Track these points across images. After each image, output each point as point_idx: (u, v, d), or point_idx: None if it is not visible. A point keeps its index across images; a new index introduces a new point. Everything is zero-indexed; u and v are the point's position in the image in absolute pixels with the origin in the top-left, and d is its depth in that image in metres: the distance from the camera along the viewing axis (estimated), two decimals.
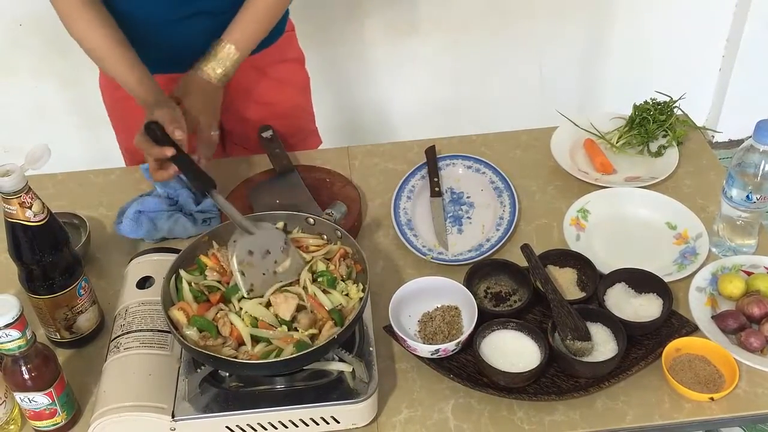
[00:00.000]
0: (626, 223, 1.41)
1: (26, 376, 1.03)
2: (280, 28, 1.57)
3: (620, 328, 1.15)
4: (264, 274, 1.13)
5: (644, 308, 1.21)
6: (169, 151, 1.23)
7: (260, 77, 1.58)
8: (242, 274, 1.12)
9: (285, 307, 1.10)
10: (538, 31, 2.62)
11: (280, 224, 1.24)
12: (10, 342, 0.99)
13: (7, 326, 0.98)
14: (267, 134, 1.52)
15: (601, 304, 1.21)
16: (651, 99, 1.56)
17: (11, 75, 2.50)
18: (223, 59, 1.39)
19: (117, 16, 1.40)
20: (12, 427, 1.12)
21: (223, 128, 1.63)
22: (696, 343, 1.17)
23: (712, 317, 1.21)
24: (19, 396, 1.06)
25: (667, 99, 1.56)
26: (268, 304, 1.12)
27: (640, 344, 1.18)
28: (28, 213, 1.07)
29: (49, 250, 1.12)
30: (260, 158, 1.54)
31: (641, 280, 1.23)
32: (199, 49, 1.41)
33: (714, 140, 2.90)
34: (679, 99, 1.57)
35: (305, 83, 1.70)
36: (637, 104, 1.56)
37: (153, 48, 1.42)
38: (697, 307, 1.22)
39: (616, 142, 1.55)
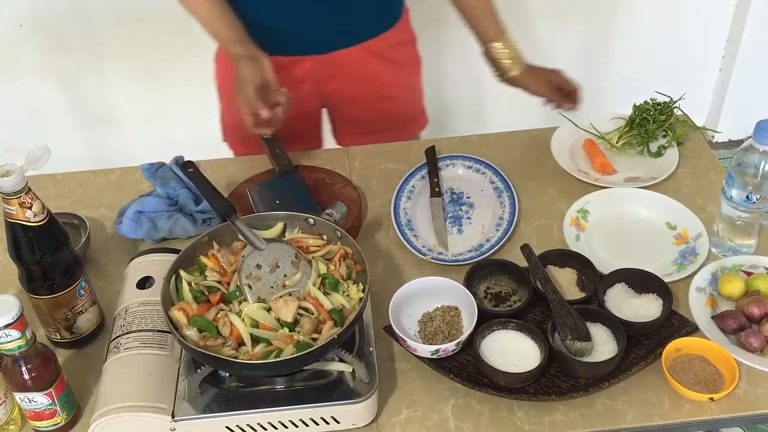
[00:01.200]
0: (626, 223, 1.41)
1: (26, 377, 1.03)
2: (397, 13, 1.59)
3: (620, 328, 1.15)
4: (272, 288, 1.13)
5: (644, 308, 1.21)
6: (265, 112, 1.28)
7: (377, 61, 1.58)
8: (249, 287, 1.12)
9: (286, 310, 1.10)
10: (538, 30, 2.62)
11: (280, 225, 1.25)
12: (10, 342, 0.99)
13: (7, 326, 0.98)
14: (267, 134, 1.52)
15: (601, 304, 1.21)
16: (651, 99, 1.56)
17: (11, 75, 2.50)
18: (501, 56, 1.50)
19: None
20: (12, 427, 1.12)
21: (333, 116, 1.69)
22: (696, 344, 1.17)
23: (712, 317, 1.21)
24: (19, 396, 1.06)
25: (667, 99, 1.57)
26: (270, 309, 1.12)
27: (640, 344, 1.18)
28: (28, 213, 1.07)
29: (49, 250, 1.11)
30: (261, 158, 1.54)
31: (641, 281, 1.24)
32: (307, 33, 1.44)
33: (714, 140, 2.90)
34: (679, 99, 1.57)
35: (418, 64, 1.72)
36: (637, 104, 1.56)
37: (263, 29, 1.43)
38: (697, 307, 1.22)
39: (616, 143, 1.55)
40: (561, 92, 1.52)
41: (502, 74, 1.53)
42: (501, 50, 1.50)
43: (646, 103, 1.56)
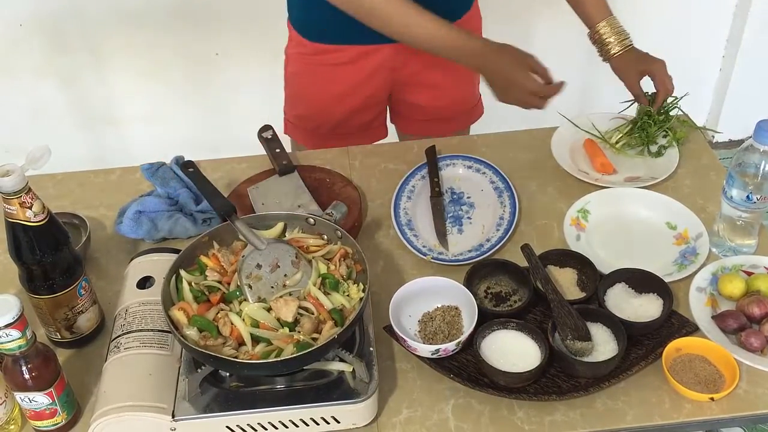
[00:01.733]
0: (626, 223, 1.41)
1: (26, 376, 1.03)
2: (468, 1, 1.59)
3: (620, 328, 1.15)
4: (273, 287, 1.13)
5: (644, 308, 1.21)
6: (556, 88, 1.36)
7: None
8: (249, 287, 1.12)
9: (286, 310, 1.10)
10: (537, 30, 2.62)
11: (280, 224, 1.25)
12: (10, 342, 0.99)
13: (7, 326, 0.98)
14: (267, 134, 1.52)
15: (601, 304, 1.21)
16: (649, 93, 1.55)
17: (12, 75, 2.51)
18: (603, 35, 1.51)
19: None
20: (12, 427, 1.12)
21: (399, 103, 1.71)
22: (696, 343, 1.17)
23: (713, 317, 1.21)
24: (19, 396, 1.06)
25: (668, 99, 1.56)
26: (270, 309, 1.12)
27: (641, 344, 1.18)
28: (29, 213, 1.07)
29: (49, 250, 1.11)
30: (261, 158, 1.54)
31: (641, 280, 1.23)
32: None
33: (714, 140, 2.90)
34: (680, 99, 1.57)
35: None
36: (640, 106, 1.56)
37: (347, 18, 1.41)
38: (698, 307, 1.22)
39: (616, 143, 1.54)
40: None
41: (604, 54, 1.53)
42: (603, 28, 1.50)
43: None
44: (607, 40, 1.51)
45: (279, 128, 1.53)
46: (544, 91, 1.36)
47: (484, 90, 1.69)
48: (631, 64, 1.51)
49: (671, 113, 1.55)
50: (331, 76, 1.60)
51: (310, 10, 1.54)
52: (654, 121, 1.52)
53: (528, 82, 1.35)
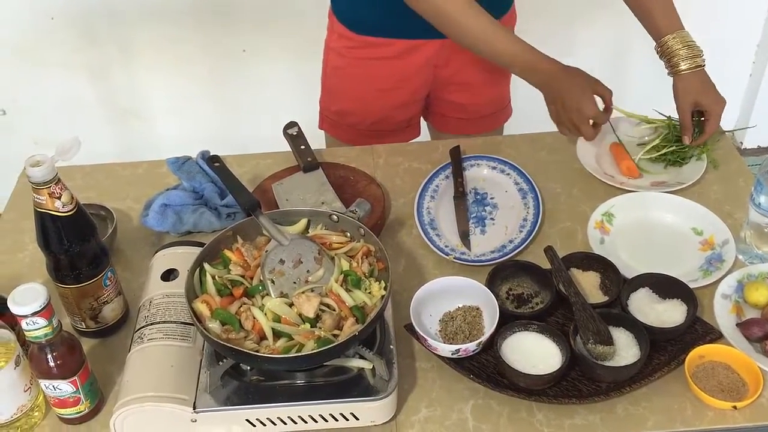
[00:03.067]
0: (651, 227, 1.39)
1: (52, 364, 1.05)
2: (507, 2, 1.60)
3: (643, 333, 1.14)
4: (295, 282, 1.14)
5: (668, 314, 1.19)
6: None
7: None
8: (272, 282, 1.12)
9: (308, 306, 1.10)
10: (564, 32, 2.61)
11: (304, 221, 1.25)
12: (37, 329, 1.01)
13: (34, 314, 0.99)
14: (292, 131, 1.53)
15: (624, 308, 1.20)
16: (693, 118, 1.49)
17: (42, 68, 2.54)
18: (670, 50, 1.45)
19: None
20: (36, 413, 1.13)
21: (437, 102, 1.71)
22: (720, 351, 1.15)
23: (737, 325, 1.19)
24: (44, 383, 1.07)
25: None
26: (292, 304, 1.12)
27: (663, 350, 1.16)
28: (57, 203, 1.09)
29: (76, 240, 1.13)
30: (285, 154, 1.55)
31: (665, 286, 1.22)
32: None
33: (743, 146, 2.86)
34: (721, 134, 1.53)
35: None
36: (674, 122, 1.52)
37: (397, 13, 1.43)
38: (722, 314, 1.21)
39: (645, 154, 1.51)
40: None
41: (671, 68, 1.46)
42: (672, 40, 1.44)
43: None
44: (677, 53, 1.44)
45: (304, 125, 1.54)
46: (600, 118, 1.36)
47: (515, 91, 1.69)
48: (691, 91, 1.45)
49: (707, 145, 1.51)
50: (376, 71, 1.60)
51: (360, 3, 1.54)
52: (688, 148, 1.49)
53: (589, 108, 1.34)
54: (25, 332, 1.02)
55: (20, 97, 2.62)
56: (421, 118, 1.79)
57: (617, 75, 2.69)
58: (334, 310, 1.11)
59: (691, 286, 1.22)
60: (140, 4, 2.43)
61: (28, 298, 0.99)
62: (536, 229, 1.37)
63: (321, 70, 1.70)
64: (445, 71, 1.62)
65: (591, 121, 1.36)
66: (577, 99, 1.34)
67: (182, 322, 1.15)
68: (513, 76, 1.71)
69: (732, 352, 1.15)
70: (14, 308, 0.99)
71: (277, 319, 1.10)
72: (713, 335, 1.18)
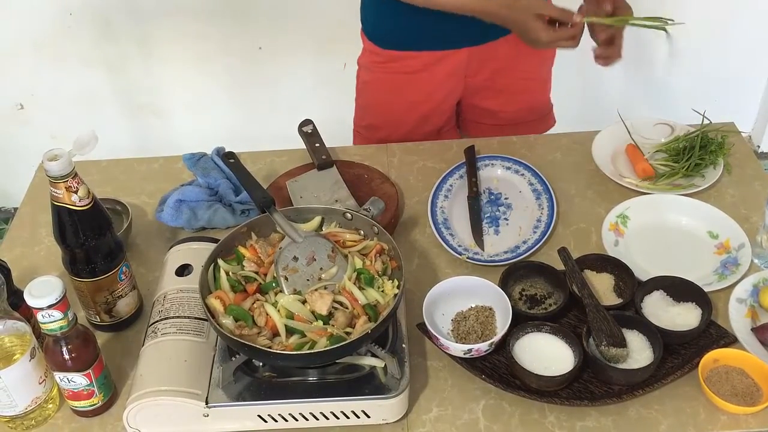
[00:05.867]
0: (666, 230, 1.39)
1: (66, 357, 1.06)
2: None
3: (657, 336, 1.14)
4: (308, 280, 1.14)
5: (682, 317, 1.19)
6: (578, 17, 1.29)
7: (525, 51, 1.52)
8: (285, 279, 1.13)
9: (321, 303, 1.11)
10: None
11: (318, 218, 1.25)
12: (52, 322, 1.02)
13: (50, 307, 1.00)
14: (307, 128, 1.53)
15: (638, 311, 1.19)
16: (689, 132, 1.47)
17: (60, 62, 2.56)
18: None
19: None
20: (50, 405, 1.14)
21: (470, 109, 1.71)
22: (734, 355, 1.15)
23: (752, 329, 1.19)
24: (58, 376, 1.08)
25: (710, 122, 1.50)
26: (305, 301, 1.13)
27: (677, 353, 1.16)
28: (74, 197, 1.10)
29: (92, 234, 1.14)
30: (300, 152, 1.56)
31: (680, 289, 1.22)
32: (468, 23, 1.42)
33: (760, 150, 2.84)
34: (725, 131, 1.52)
35: (552, 58, 1.72)
36: (686, 137, 1.51)
37: (430, 23, 1.44)
38: (737, 319, 1.20)
39: (660, 163, 1.50)
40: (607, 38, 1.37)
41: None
42: None
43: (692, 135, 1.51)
44: None
45: (319, 123, 1.54)
46: (562, 35, 1.31)
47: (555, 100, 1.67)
48: None
49: (722, 146, 1.49)
50: (404, 84, 1.61)
51: (383, 17, 1.55)
52: (699, 156, 1.48)
53: (541, 34, 1.31)
54: (40, 325, 1.03)
55: (38, 91, 2.64)
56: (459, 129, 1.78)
57: (639, 77, 2.68)
58: (347, 307, 1.12)
59: (706, 289, 1.21)
60: (158, 1, 2.45)
61: (44, 291, 1.00)
62: (550, 230, 1.37)
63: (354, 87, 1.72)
64: (476, 80, 1.62)
65: (567, 33, 1.31)
66: (526, 35, 1.33)
67: (196, 318, 1.16)
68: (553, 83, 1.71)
69: (746, 356, 1.14)
70: (30, 300, 1.00)
71: (290, 315, 1.11)
72: (727, 339, 1.18)
